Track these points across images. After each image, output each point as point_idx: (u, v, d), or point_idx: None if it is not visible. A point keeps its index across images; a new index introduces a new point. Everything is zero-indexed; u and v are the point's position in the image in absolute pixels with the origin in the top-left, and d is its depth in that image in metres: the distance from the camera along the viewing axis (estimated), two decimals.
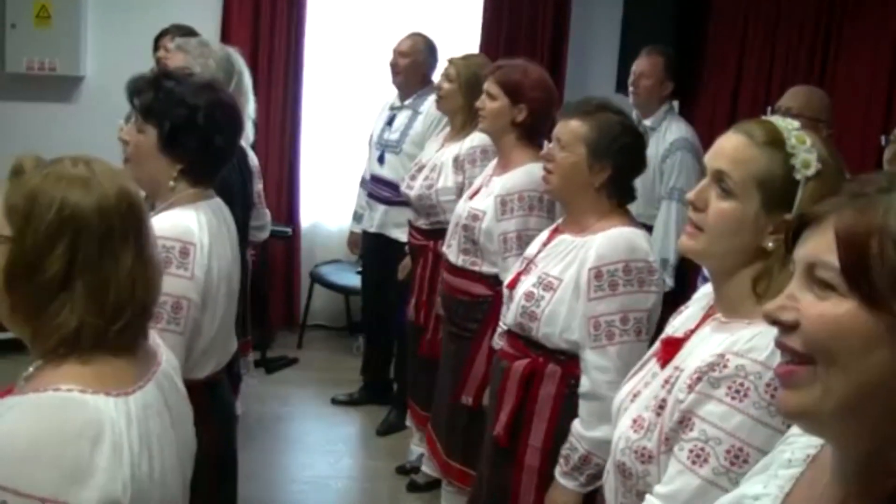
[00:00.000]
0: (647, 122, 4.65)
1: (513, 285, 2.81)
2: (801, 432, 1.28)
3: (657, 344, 2.01)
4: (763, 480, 1.28)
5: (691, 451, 1.68)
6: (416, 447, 4.36)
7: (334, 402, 5.28)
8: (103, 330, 1.51)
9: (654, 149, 4.52)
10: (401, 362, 4.92)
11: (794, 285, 1.09)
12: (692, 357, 1.79)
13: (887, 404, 1.01)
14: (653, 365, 1.95)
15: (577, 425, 2.57)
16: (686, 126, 4.64)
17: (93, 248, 1.51)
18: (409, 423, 4.45)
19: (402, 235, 4.67)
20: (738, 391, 1.64)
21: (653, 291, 2.56)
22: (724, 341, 1.72)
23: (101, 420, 1.46)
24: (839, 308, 1.03)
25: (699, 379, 1.70)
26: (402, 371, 4.86)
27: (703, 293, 2.02)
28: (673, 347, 1.89)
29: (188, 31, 4.41)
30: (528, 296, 2.68)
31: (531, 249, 2.86)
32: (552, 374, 2.69)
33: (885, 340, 1.00)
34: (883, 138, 3.21)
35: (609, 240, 2.58)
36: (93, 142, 5.56)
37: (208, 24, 5.70)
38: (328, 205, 6.24)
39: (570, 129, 2.67)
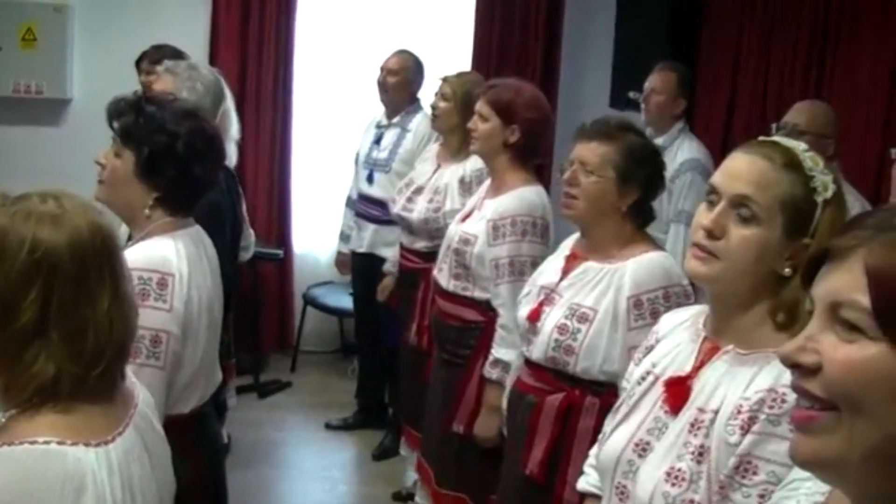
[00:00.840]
0: (659, 141, 4.49)
1: (534, 317, 2.69)
2: (804, 476, 1.19)
3: (647, 385, 1.88)
4: None
5: (761, 496, 1.58)
6: (414, 473, 4.25)
7: (328, 426, 5.19)
8: (83, 377, 1.45)
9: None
10: (395, 385, 4.82)
11: (815, 325, 1.00)
12: (719, 395, 1.69)
13: None
14: (656, 410, 1.82)
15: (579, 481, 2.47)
16: (699, 146, 4.48)
17: (68, 289, 1.44)
18: (403, 450, 4.34)
19: (392, 255, 4.59)
20: None
21: None
22: (765, 375, 1.64)
23: (83, 472, 1.40)
24: (867, 351, 0.93)
25: (752, 419, 1.61)
26: (396, 394, 4.77)
27: (675, 323, 1.93)
28: (681, 389, 1.78)
29: (173, 53, 4.34)
30: (562, 329, 2.57)
31: (549, 278, 2.74)
32: (591, 407, 2.59)
33: None
34: (893, 151, 3.13)
35: (644, 266, 2.51)
36: (80, 164, 5.49)
37: (196, 45, 5.63)
38: (320, 226, 6.15)
39: (594, 151, 2.59)
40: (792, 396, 1.50)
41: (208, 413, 2.52)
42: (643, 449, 1.79)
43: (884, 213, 1.01)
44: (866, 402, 0.93)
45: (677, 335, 1.89)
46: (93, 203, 1.64)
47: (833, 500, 1.10)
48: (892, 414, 0.92)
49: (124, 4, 5.80)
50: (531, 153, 3.42)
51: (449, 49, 5.95)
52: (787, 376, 1.55)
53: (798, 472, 1.22)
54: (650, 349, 1.95)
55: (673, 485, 1.69)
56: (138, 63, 4.67)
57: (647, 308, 2.47)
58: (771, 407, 1.59)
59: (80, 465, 1.40)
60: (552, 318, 2.62)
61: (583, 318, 2.55)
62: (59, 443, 1.40)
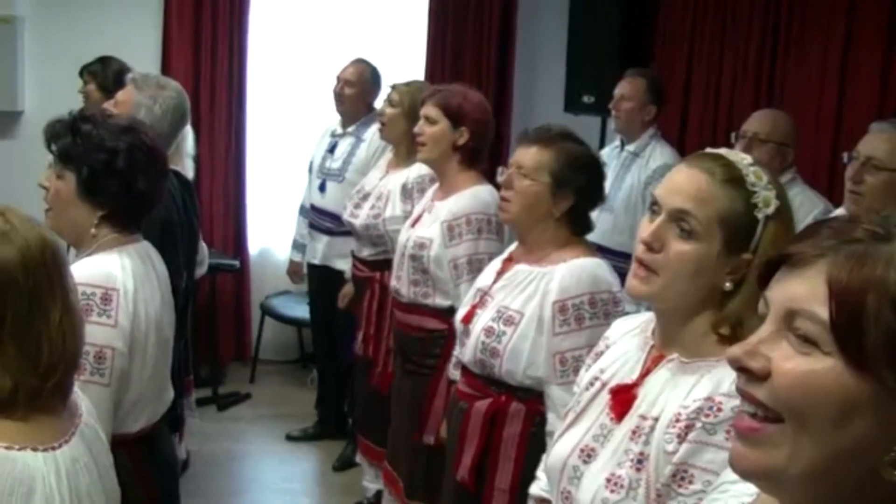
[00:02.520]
0: (631, 148, 4.54)
1: (468, 319, 2.71)
2: (733, 479, 1.18)
3: (594, 391, 1.87)
4: None
5: None
6: (370, 484, 4.23)
7: (289, 438, 5.15)
8: (38, 389, 1.48)
9: (637, 175, 4.43)
10: (352, 396, 4.80)
11: (766, 329, 0.97)
12: (660, 403, 1.69)
13: (857, 474, 0.92)
14: (599, 417, 1.82)
15: (532, 486, 2.47)
16: (671, 152, 4.47)
17: (23, 304, 1.47)
18: (358, 459, 4.32)
19: (346, 266, 4.56)
20: None
21: None
22: (704, 383, 1.64)
23: (32, 476, 1.44)
24: (818, 365, 0.92)
25: (689, 427, 1.61)
26: (353, 405, 4.75)
27: (625, 330, 1.93)
28: (626, 397, 1.77)
29: (120, 68, 4.31)
30: (488, 331, 2.59)
31: (485, 280, 2.77)
32: (516, 413, 2.60)
33: (867, 407, 0.90)
34: (845, 155, 3.18)
35: (572, 271, 2.51)
36: (33, 177, 5.42)
37: (148, 54, 5.61)
38: (276, 235, 6.11)
39: (532, 156, 2.60)
40: (729, 405, 1.53)
41: (160, 432, 2.49)
42: (588, 455, 1.78)
43: (846, 224, 0.98)
44: (812, 417, 0.91)
45: (626, 342, 1.89)
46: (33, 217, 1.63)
47: (762, 501, 1.10)
48: (838, 432, 0.91)
49: (74, 15, 5.73)
50: (478, 156, 3.45)
51: (403, 56, 5.94)
52: (725, 386, 1.57)
53: (728, 475, 1.22)
54: (599, 354, 1.95)
55: (612, 491, 1.69)
56: (81, 72, 4.62)
57: (572, 314, 2.47)
58: (707, 416, 1.59)
59: (28, 469, 1.43)
60: (482, 320, 2.64)
61: (509, 321, 2.56)
62: (6, 448, 1.43)
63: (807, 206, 3.55)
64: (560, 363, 2.48)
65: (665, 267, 1.68)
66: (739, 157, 1.73)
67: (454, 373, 3.16)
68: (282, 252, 6.05)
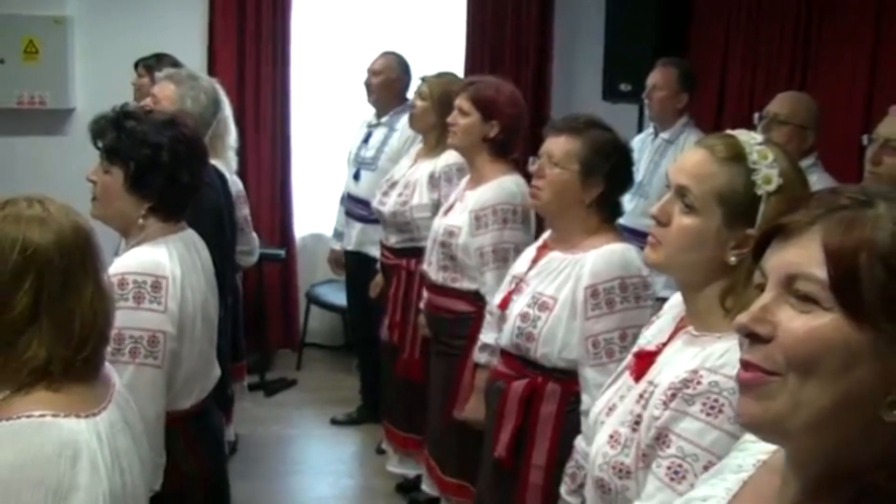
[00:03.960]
0: (665, 136, 4.63)
1: (504, 305, 2.82)
2: (754, 439, 1.27)
3: (630, 357, 2.02)
4: (712, 483, 1.29)
5: (669, 467, 1.69)
6: (395, 469, 4.35)
7: (334, 422, 5.29)
8: (71, 360, 1.59)
9: (671, 162, 4.49)
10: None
11: (767, 296, 1.06)
12: (665, 372, 1.80)
13: (861, 419, 1.01)
14: (626, 378, 1.96)
15: (580, 442, 2.55)
16: None
17: (57, 283, 1.58)
18: (384, 445, 4.45)
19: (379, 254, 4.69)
20: (712, 407, 1.66)
21: (648, 306, 2.58)
22: (697, 356, 1.74)
23: (77, 440, 1.54)
24: (821, 320, 1.01)
25: (674, 395, 1.72)
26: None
27: (672, 304, 2.03)
28: (645, 361, 1.91)
29: (173, 63, 4.46)
30: (524, 316, 2.69)
31: (520, 268, 2.87)
32: (552, 393, 2.70)
33: (867, 356, 0.99)
34: (865, 137, 3.23)
35: (603, 257, 2.60)
36: (84, 172, 5.68)
37: (194, 52, 5.75)
38: (321, 224, 6.26)
39: (561, 145, 2.69)
40: (707, 380, 1.65)
41: (209, 408, 2.63)
42: (610, 410, 1.93)
43: (830, 195, 1.07)
44: (819, 367, 1.00)
45: (671, 312, 2.00)
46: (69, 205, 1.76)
47: (776, 459, 1.19)
48: (841, 380, 1.00)
49: (122, 14, 5.91)
50: (509, 148, 3.54)
51: (443, 47, 6.04)
52: (710, 361, 1.68)
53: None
54: (651, 324, 2.08)
55: (612, 446, 1.83)
56: (136, 65, 4.78)
57: (604, 297, 2.56)
58: (688, 387, 1.70)
59: (73, 434, 1.54)
60: (517, 305, 2.74)
61: (543, 307, 2.65)
62: (53, 415, 1.55)
63: None
64: (593, 346, 2.57)
65: (669, 239, 1.81)
66: (749, 136, 1.81)
67: (479, 355, 3.28)
68: (327, 241, 6.20)
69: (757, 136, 1.83)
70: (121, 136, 2.44)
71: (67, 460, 1.52)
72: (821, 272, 1.01)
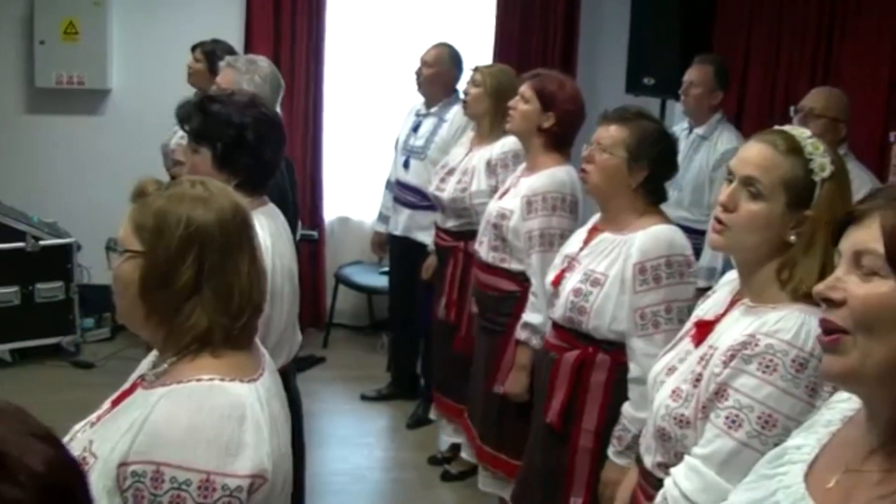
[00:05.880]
0: (699, 131, 4.80)
1: (557, 282, 3.01)
2: (842, 398, 1.50)
3: (690, 325, 2.23)
4: (805, 435, 1.50)
5: (727, 417, 1.91)
6: (448, 437, 4.56)
7: (363, 398, 5.48)
8: (230, 328, 1.72)
9: (706, 157, 4.69)
10: (427, 358, 5.12)
11: (841, 270, 1.31)
12: (724, 337, 2.02)
13: None
14: (686, 344, 2.17)
15: (628, 408, 2.78)
16: (737, 136, 4.69)
17: (217, 257, 1.72)
18: (432, 415, 4.65)
19: (426, 238, 4.87)
20: (768, 366, 1.88)
21: (691, 283, 2.79)
22: (753, 323, 1.96)
23: (242, 403, 1.67)
24: (882, 288, 1.25)
25: (733, 356, 1.93)
26: (428, 367, 5.07)
27: (727, 280, 2.26)
28: (705, 329, 2.13)
29: (228, 49, 4.63)
30: (577, 292, 2.89)
31: (572, 248, 3.06)
32: (602, 363, 2.91)
33: None
34: (892, 135, 3.42)
35: (650, 237, 2.80)
36: (121, 150, 5.89)
37: (230, 38, 5.89)
38: (351, 207, 6.45)
39: (610, 133, 2.88)
40: (763, 342, 1.91)
41: (291, 370, 2.81)
42: (670, 370, 2.15)
43: (891, 189, 1.36)
44: (879, 326, 1.25)
45: (723, 290, 2.24)
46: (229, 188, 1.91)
47: (861, 415, 1.40)
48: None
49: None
50: (563, 141, 3.70)
51: (473, 41, 6.19)
52: (766, 327, 1.93)
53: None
54: (706, 298, 2.30)
55: (674, 400, 2.06)
56: (193, 49, 4.93)
57: (651, 274, 2.76)
58: (746, 349, 1.92)
59: (239, 397, 1.67)
60: (570, 282, 2.93)
61: (595, 283, 2.86)
62: (220, 379, 1.68)
63: (856, 182, 3.75)
64: (640, 318, 2.78)
65: (737, 223, 2.02)
66: (799, 131, 2.06)
67: (521, 333, 3.48)
68: (355, 224, 6.39)
69: (805, 131, 2.07)
70: (207, 118, 2.61)
71: (235, 420, 1.63)
72: (880, 247, 1.26)
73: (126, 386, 1.83)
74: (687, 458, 1.97)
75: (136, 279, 1.71)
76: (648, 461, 2.18)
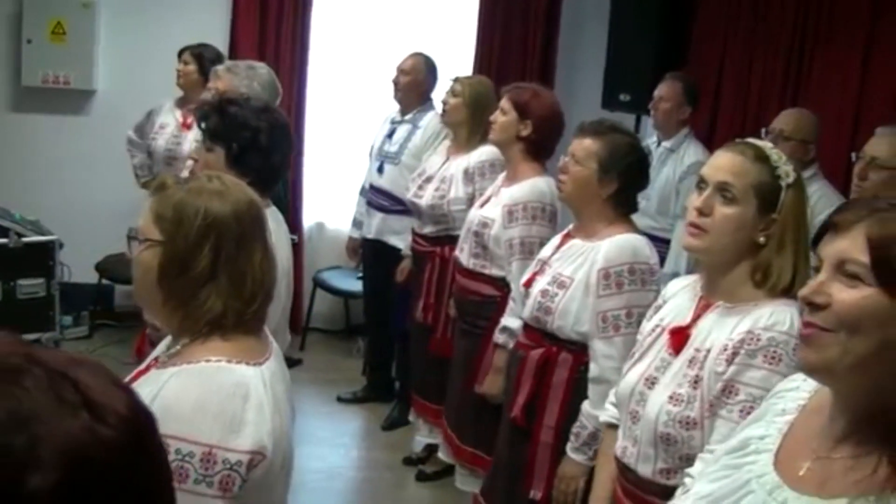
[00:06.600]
0: (667, 144, 5.00)
1: (529, 284, 3.16)
2: (790, 388, 1.64)
3: (654, 333, 2.35)
4: (763, 426, 1.62)
5: (741, 410, 2.04)
6: (423, 438, 4.68)
7: (340, 399, 5.58)
8: (242, 313, 1.85)
9: (673, 169, 4.88)
10: (402, 361, 5.23)
11: (824, 276, 1.43)
12: (711, 338, 2.17)
13: (892, 365, 1.37)
14: (661, 352, 2.29)
15: (586, 406, 2.92)
16: (703, 150, 4.88)
17: (232, 246, 1.84)
18: (411, 418, 4.77)
19: (399, 242, 5.01)
20: (773, 357, 2.04)
21: (652, 290, 2.92)
22: (744, 321, 2.11)
23: (247, 383, 1.79)
24: (864, 293, 1.38)
25: (735, 354, 2.08)
26: (403, 370, 5.19)
27: (680, 286, 2.41)
28: (681, 335, 2.26)
29: (216, 53, 4.74)
30: (544, 293, 3.04)
31: (545, 252, 3.21)
32: (564, 362, 3.06)
33: None
34: (853, 155, 3.59)
35: (615, 245, 2.95)
36: (103, 152, 5.98)
37: (217, 39, 5.98)
38: (328, 214, 6.56)
39: (583, 146, 3.03)
40: (765, 336, 2.06)
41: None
42: (651, 382, 2.27)
43: (872, 200, 1.47)
44: (862, 326, 1.37)
45: (680, 296, 2.37)
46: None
47: (815, 402, 1.54)
48: (878, 334, 1.37)
49: (147, 2, 6.17)
50: (542, 149, 3.85)
51: (454, 55, 6.32)
52: (762, 322, 2.09)
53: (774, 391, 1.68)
54: (658, 308, 2.44)
55: (675, 405, 2.18)
56: (181, 53, 5.03)
57: (614, 280, 2.91)
58: (749, 344, 2.08)
59: (244, 378, 1.79)
60: (539, 284, 3.09)
61: (561, 285, 3.01)
62: (227, 361, 1.81)
63: (824, 202, 3.90)
64: (602, 321, 2.92)
65: (713, 226, 2.17)
66: (762, 142, 2.26)
67: (499, 336, 3.62)
68: (333, 229, 6.49)
69: (769, 144, 2.29)
70: (224, 119, 2.73)
71: (240, 399, 1.75)
72: (864, 257, 1.38)
73: (141, 367, 1.94)
74: (703, 455, 2.06)
75: (154, 266, 1.83)
76: (646, 470, 2.26)
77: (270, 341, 1.99)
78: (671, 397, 2.19)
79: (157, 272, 1.83)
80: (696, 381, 2.15)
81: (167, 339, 1.98)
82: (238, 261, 1.85)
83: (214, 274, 1.83)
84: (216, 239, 1.83)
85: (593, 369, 2.94)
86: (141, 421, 0.87)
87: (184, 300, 1.84)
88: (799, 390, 1.60)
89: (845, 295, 1.39)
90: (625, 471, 2.35)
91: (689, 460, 2.11)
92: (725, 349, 2.10)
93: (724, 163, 2.20)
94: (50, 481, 0.77)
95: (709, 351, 2.15)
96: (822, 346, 1.41)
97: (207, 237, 1.82)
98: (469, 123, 4.41)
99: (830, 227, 1.46)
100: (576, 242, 3.07)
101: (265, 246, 1.92)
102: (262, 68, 3.86)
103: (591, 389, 2.93)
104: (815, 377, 1.50)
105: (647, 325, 2.43)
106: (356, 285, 5.95)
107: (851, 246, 1.40)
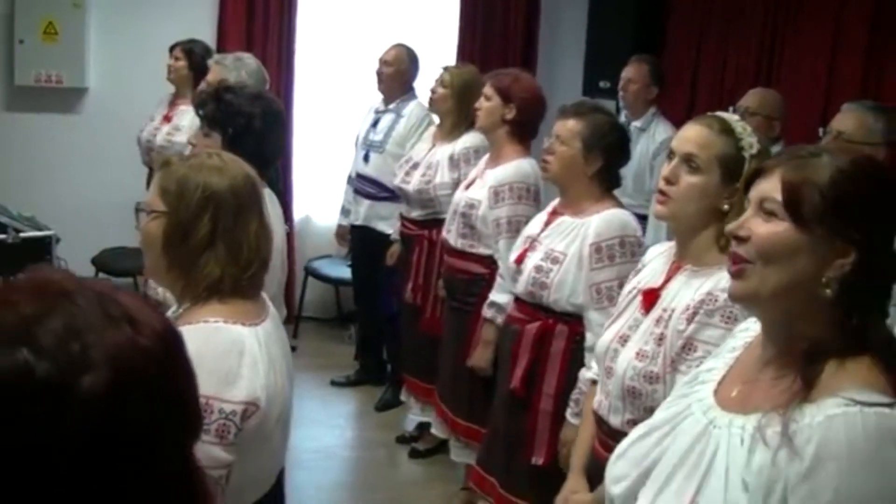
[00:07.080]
0: (637, 124, 5.18)
1: (520, 260, 3.31)
2: (743, 329, 1.81)
3: (631, 295, 2.51)
4: (714, 361, 1.80)
5: (698, 366, 2.15)
6: (415, 417, 4.83)
7: (333, 383, 5.73)
8: (239, 278, 2.01)
9: (645, 146, 5.07)
10: (392, 345, 5.39)
11: (748, 214, 1.61)
12: (678, 298, 2.32)
13: (803, 294, 1.54)
14: (634, 312, 2.45)
15: (584, 373, 3.06)
16: (672, 127, 5.03)
17: (229, 217, 2.01)
18: (403, 397, 4.92)
19: (386, 227, 5.18)
20: (728, 317, 2.19)
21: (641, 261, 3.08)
22: (706, 283, 2.27)
23: (242, 342, 1.95)
24: (778, 227, 1.55)
25: (695, 313, 2.24)
26: (394, 353, 5.35)
27: (657, 253, 2.56)
28: (652, 296, 2.42)
29: (204, 48, 4.89)
30: (538, 269, 3.19)
31: (533, 229, 3.36)
32: (561, 333, 3.22)
33: (806, 251, 1.53)
34: (821, 130, 3.75)
35: (605, 220, 3.11)
36: (96, 148, 6.11)
37: (205, 35, 6.10)
38: (319, 204, 6.71)
39: (567, 126, 3.19)
40: (722, 297, 2.22)
41: None
42: (623, 339, 2.43)
43: (795, 149, 1.65)
44: (776, 256, 1.55)
45: (656, 261, 2.53)
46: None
47: (759, 339, 1.70)
48: (789, 265, 1.54)
49: (136, 1, 6.30)
50: (526, 130, 4.01)
51: (437, 43, 6.48)
52: (721, 284, 2.24)
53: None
54: (638, 271, 2.59)
55: (640, 360, 2.34)
56: (172, 49, 5.17)
57: (605, 253, 3.08)
58: (708, 304, 2.23)
59: (240, 337, 1.96)
60: (532, 260, 3.24)
61: (555, 261, 3.16)
62: (224, 321, 1.97)
63: None
64: (596, 292, 3.09)
65: (679, 194, 2.32)
66: (730, 116, 2.40)
67: (487, 311, 3.77)
68: (324, 219, 6.64)
69: (735, 116, 2.42)
70: (220, 106, 2.89)
71: (235, 355, 1.92)
72: (778, 195, 1.56)
73: None
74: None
75: (160, 235, 2.00)
76: (616, 421, 2.42)
77: (268, 306, 2.14)
78: (637, 353, 2.34)
79: (162, 240, 2.00)
80: (661, 339, 2.31)
81: (170, 311, 2.13)
82: (235, 230, 2.01)
83: (213, 242, 1.99)
84: (214, 210, 1.99)
85: (589, 339, 3.08)
86: (172, 337, 1.03)
87: (186, 267, 2.00)
88: (748, 330, 1.77)
89: (762, 229, 1.55)
90: (600, 422, 2.52)
91: (653, 412, 2.27)
92: (687, 309, 2.26)
93: (691, 135, 2.35)
94: (100, 381, 0.92)
95: (674, 311, 2.31)
96: (744, 276, 1.58)
97: (206, 208, 1.99)
98: (455, 112, 4.57)
99: (759, 172, 1.62)
100: (565, 219, 3.22)
101: (261, 217, 2.08)
102: (249, 58, 4.01)
103: (588, 357, 3.06)
104: (743, 305, 1.70)
105: (626, 288, 2.60)
106: (346, 273, 6.09)
107: (771, 187, 1.56)
